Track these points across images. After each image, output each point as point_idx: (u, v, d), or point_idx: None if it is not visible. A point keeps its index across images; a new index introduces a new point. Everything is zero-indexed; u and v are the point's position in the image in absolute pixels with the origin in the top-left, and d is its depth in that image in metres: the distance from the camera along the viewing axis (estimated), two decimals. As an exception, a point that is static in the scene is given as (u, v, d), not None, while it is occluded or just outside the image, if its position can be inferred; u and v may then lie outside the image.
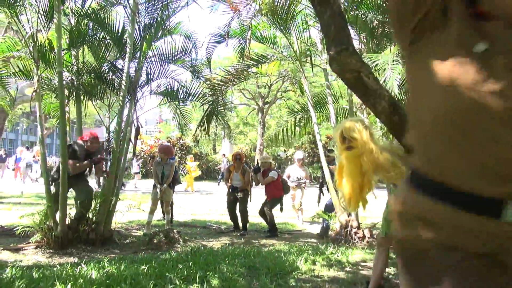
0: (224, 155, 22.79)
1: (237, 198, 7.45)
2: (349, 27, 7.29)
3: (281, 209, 7.72)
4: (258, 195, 8.73)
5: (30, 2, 5.83)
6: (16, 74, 6.59)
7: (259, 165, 7.53)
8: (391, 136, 3.13)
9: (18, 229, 5.67)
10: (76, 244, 5.53)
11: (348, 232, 6.10)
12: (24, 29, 5.93)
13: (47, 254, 5.21)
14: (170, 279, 3.60)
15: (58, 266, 4.30)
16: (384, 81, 5.34)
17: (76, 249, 5.42)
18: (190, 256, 4.63)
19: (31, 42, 5.77)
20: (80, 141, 6.02)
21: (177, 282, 3.52)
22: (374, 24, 6.70)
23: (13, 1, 5.64)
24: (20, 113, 28.03)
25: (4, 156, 20.31)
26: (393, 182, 2.83)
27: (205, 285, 3.49)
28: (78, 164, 5.75)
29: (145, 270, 3.86)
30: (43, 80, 6.42)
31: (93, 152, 5.99)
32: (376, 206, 4.51)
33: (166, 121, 36.14)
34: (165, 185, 7.25)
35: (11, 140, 57.18)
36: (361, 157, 2.47)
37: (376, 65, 5.69)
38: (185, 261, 4.30)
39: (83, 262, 4.38)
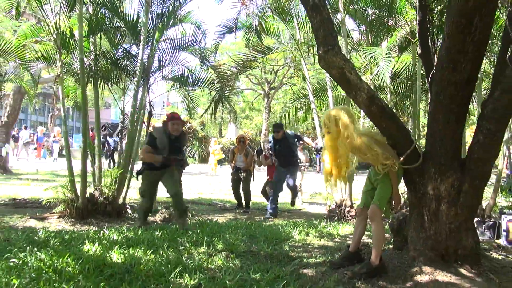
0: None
1: (240, 178, 8.02)
2: (350, 19, 7.77)
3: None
4: (260, 176, 9.30)
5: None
6: (39, 59, 7.12)
7: (262, 148, 8.08)
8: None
9: (43, 200, 6.32)
10: (95, 215, 6.13)
11: (341, 211, 6.66)
12: (48, 18, 6.44)
13: (69, 223, 5.82)
14: (181, 243, 4.19)
15: (82, 231, 4.92)
16: (378, 72, 5.81)
17: (95, 219, 6.03)
18: (198, 226, 5.22)
19: (54, 30, 6.29)
20: (160, 127, 5.71)
21: (187, 245, 4.10)
22: (372, 17, 7.13)
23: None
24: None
25: (17, 135, 21.02)
26: (369, 163, 3.35)
27: (211, 248, 4.07)
28: (149, 154, 5.33)
29: (159, 235, 4.46)
30: (64, 65, 6.94)
31: (179, 136, 5.52)
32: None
33: (174, 104, 36.62)
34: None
35: (20, 120, 58.08)
36: (337, 140, 2.99)
37: (371, 57, 6.15)
38: (193, 230, 4.89)
39: (105, 228, 4.99)
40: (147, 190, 5.60)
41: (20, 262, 3.25)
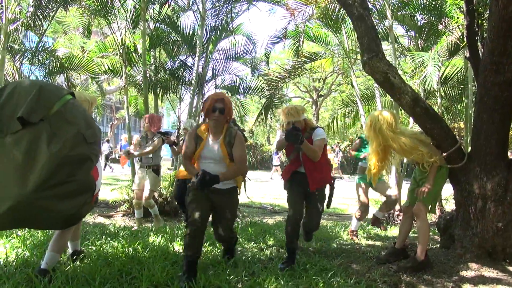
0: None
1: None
2: (398, 25, 7.83)
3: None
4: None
5: (120, 12, 7.02)
6: (106, 72, 7.87)
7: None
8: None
9: (109, 201, 6.97)
10: (155, 214, 6.65)
11: (390, 215, 6.70)
12: (115, 34, 7.14)
13: (132, 220, 6.37)
14: (235, 238, 4.52)
15: (145, 227, 5.41)
16: (425, 76, 5.86)
17: (154, 218, 6.54)
18: (250, 225, 5.54)
19: (120, 46, 6.97)
20: None
21: (240, 240, 4.43)
22: (421, 23, 7.16)
23: (107, 12, 6.85)
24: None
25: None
26: (415, 162, 3.49)
27: (262, 243, 4.37)
28: None
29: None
30: (128, 77, 7.63)
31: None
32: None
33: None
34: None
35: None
36: (380, 143, 3.20)
37: (420, 62, 6.20)
38: (246, 229, 5.22)
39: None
40: None
41: (98, 248, 3.73)
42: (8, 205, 2.31)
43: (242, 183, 3.50)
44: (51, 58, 7.37)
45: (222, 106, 3.11)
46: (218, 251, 3.88)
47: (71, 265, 3.17)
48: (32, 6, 5.96)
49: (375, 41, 3.27)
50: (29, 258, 3.33)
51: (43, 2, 6.01)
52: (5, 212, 2.31)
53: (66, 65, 7.47)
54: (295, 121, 3.49)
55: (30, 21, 6.19)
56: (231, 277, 3.03)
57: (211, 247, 3.99)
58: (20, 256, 3.36)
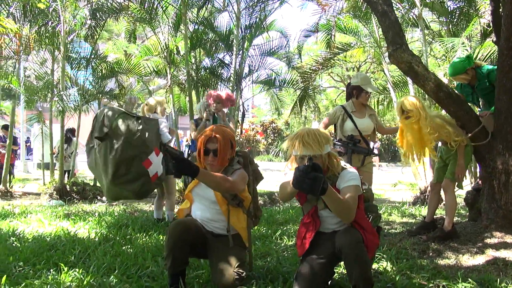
0: None
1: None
2: (428, 12, 7.96)
3: None
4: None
5: (162, 18, 7.63)
6: (151, 73, 8.56)
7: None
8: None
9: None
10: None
11: (425, 197, 6.95)
12: (158, 38, 7.78)
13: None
14: (276, 219, 5.01)
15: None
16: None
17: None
18: (284, 209, 6.01)
19: (164, 49, 7.59)
20: None
21: (280, 219, 4.91)
22: (452, 8, 7.29)
23: (151, 19, 7.49)
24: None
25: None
26: (444, 140, 3.81)
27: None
28: None
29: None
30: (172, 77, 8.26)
31: None
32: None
33: (258, 106, 38.16)
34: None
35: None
36: (420, 122, 3.52)
37: (451, 47, 6.39)
38: (287, 211, 5.70)
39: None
40: None
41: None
42: (106, 188, 4.29)
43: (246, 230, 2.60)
44: (102, 64, 8.13)
45: (216, 147, 2.47)
46: (264, 227, 4.37)
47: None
48: (90, 18, 6.68)
49: (398, 34, 3.62)
50: (107, 235, 3.97)
51: (97, 14, 6.71)
52: (107, 192, 4.34)
53: (116, 69, 8.20)
54: (313, 155, 2.17)
55: (88, 32, 6.93)
56: (277, 247, 3.53)
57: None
58: (99, 234, 4.01)
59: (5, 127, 9.25)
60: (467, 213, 4.42)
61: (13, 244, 3.58)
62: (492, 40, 5.28)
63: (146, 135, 4.22)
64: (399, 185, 9.37)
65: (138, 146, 4.15)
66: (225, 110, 5.08)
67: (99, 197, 7.32)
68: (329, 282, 2.49)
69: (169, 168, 2.11)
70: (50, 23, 7.31)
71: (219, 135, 2.49)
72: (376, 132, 4.42)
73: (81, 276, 2.67)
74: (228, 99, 4.88)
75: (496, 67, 3.72)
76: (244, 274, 2.39)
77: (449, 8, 7.59)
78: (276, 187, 10.65)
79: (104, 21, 7.67)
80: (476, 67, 3.87)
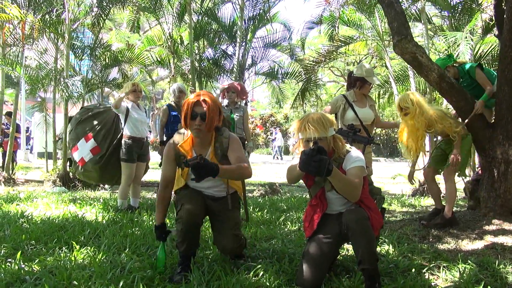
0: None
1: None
2: (432, 6, 8.02)
3: None
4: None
5: (167, 8, 7.68)
6: (155, 63, 8.61)
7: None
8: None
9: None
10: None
11: (424, 188, 7.05)
12: (163, 28, 7.82)
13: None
14: (281, 206, 5.10)
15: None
16: (458, 54, 6.13)
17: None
18: (290, 198, 6.10)
19: (168, 39, 7.64)
20: None
21: (285, 207, 5.00)
22: (454, 2, 7.35)
23: (156, 8, 7.53)
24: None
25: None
26: (445, 133, 3.89)
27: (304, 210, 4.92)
28: None
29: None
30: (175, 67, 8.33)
31: None
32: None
33: (258, 100, 38.17)
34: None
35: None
36: (415, 117, 3.61)
37: (452, 41, 6.46)
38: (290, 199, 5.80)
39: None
40: None
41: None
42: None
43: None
44: (106, 53, 8.16)
45: (204, 110, 2.37)
46: (267, 214, 4.47)
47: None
48: (96, 6, 6.71)
49: (403, 25, 3.68)
50: (114, 218, 4.06)
51: (103, 2, 6.75)
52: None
53: (120, 58, 8.24)
54: (318, 138, 2.26)
55: (94, 20, 6.96)
56: (281, 231, 3.62)
57: (260, 213, 4.59)
58: (106, 217, 4.09)
59: (8, 114, 9.30)
60: (466, 204, 4.51)
61: (23, 225, 3.66)
62: (494, 34, 5.37)
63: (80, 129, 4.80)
64: (399, 177, 9.46)
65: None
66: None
67: (101, 185, 7.39)
68: (333, 263, 2.56)
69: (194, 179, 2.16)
70: (55, 10, 7.34)
71: (207, 98, 2.42)
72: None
73: (93, 254, 2.75)
74: (243, 90, 4.90)
75: (474, 64, 3.95)
76: (242, 237, 2.69)
77: (451, 2, 7.66)
78: (275, 178, 10.83)
79: (109, 10, 7.69)
80: (458, 65, 4.08)
